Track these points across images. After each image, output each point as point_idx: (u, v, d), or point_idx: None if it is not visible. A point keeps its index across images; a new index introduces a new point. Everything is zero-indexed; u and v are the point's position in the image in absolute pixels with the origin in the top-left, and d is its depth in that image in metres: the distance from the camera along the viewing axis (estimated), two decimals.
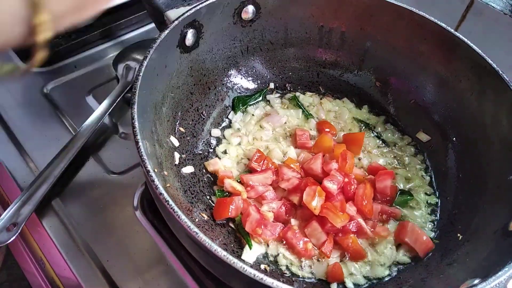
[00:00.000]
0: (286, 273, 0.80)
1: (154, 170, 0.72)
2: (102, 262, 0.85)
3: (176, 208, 0.57)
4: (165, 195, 0.58)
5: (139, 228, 0.90)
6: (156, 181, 0.60)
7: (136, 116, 0.65)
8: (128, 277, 0.84)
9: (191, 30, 0.85)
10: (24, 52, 1.15)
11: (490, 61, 0.85)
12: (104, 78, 1.18)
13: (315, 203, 0.80)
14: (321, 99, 1.06)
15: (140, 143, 0.63)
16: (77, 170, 0.99)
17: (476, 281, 0.61)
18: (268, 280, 0.53)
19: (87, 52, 1.23)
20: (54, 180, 0.92)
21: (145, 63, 0.72)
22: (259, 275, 0.53)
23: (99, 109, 1.04)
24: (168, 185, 0.77)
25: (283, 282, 0.72)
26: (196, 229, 0.55)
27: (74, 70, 1.19)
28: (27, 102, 1.11)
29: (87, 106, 1.11)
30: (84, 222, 0.90)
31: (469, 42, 0.88)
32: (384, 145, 0.99)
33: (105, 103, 1.05)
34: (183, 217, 0.56)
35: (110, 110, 1.04)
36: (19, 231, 0.85)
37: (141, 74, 0.70)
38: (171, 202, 0.58)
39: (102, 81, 1.17)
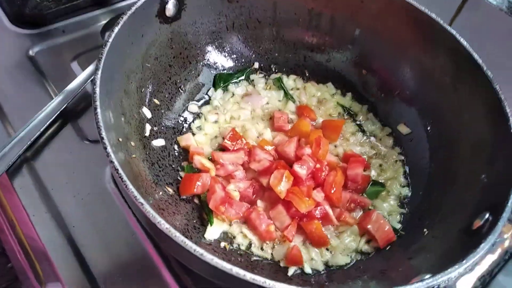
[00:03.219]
0: (246, 253, 0.79)
1: (118, 140, 0.72)
2: (68, 227, 0.85)
3: (124, 177, 0.56)
4: (112, 155, 0.58)
5: (108, 198, 0.89)
6: (109, 149, 0.59)
7: (98, 83, 0.64)
8: (92, 244, 0.84)
9: (172, 0, 0.84)
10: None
11: (476, 57, 0.83)
12: (91, 45, 1.16)
13: (281, 187, 0.80)
14: (305, 83, 1.04)
15: (99, 111, 0.62)
16: (54, 135, 0.98)
17: (427, 276, 0.60)
18: (207, 257, 0.52)
19: (77, 18, 1.21)
20: (29, 142, 0.92)
21: (116, 29, 0.71)
22: (199, 250, 0.53)
23: (81, 76, 1.03)
24: (133, 156, 0.77)
25: (240, 261, 0.73)
26: (142, 200, 0.55)
27: (61, 35, 1.17)
28: (11, 63, 1.10)
29: (71, 72, 1.10)
30: (54, 187, 0.90)
31: (457, 35, 0.85)
32: (362, 134, 0.98)
33: (88, 70, 1.04)
34: (130, 186, 0.55)
35: (93, 78, 1.03)
36: None
37: (110, 40, 0.69)
38: (116, 165, 0.57)
39: (89, 48, 1.15)
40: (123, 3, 1.28)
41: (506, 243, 0.81)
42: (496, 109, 0.77)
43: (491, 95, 0.78)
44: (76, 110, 1.03)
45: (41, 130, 0.94)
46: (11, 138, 0.91)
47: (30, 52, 1.12)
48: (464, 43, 0.84)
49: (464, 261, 0.60)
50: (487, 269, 0.71)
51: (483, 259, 0.68)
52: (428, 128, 0.92)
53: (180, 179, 0.86)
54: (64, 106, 0.97)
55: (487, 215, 0.69)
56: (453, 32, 0.85)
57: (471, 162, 0.80)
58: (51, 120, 0.95)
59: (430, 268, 0.66)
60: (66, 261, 0.81)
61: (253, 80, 1.04)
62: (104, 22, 1.20)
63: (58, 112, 0.96)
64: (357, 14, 0.96)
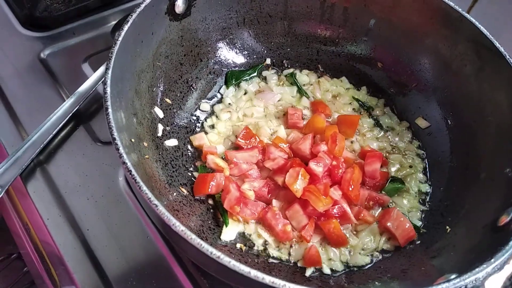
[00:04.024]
0: (263, 254, 0.77)
1: (131, 140, 0.71)
2: (82, 231, 0.84)
3: (137, 178, 0.54)
4: (125, 156, 0.56)
5: (122, 200, 0.89)
6: (121, 149, 0.57)
7: (109, 82, 0.63)
8: (107, 247, 0.83)
9: None
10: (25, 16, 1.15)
11: (497, 45, 0.79)
12: (102, 46, 1.15)
13: (297, 185, 0.77)
14: (318, 77, 1.02)
15: (110, 111, 0.60)
16: (66, 137, 0.98)
17: (453, 276, 0.58)
18: (225, 260, 0.51)
19: (87, 19, 1.21)
20: (42, 146, 0.91)
21: (125, 27, 0.70)
22: (216, 253, 0.51)
23: (92, 77, 1.02)
24: (146, 156, 0.76)
25: (257, 263, 0.71)
26: (156, 202, 0.53)
27: (72, 36, 1.17)
28: (23, 66, 1.10)
29: (82, 74, 1.09)
30: (68, 190, 0.89)
31: (477, 24, 0.82)
32: (379, 129, 0.95)
33: (99, 71, 1.04)
34: (144, 188, 0.54)
35: (103, 79, 1.02)
36: (2, 193, 0.85)
37: (119, 39, 0.68)
38: (130, 166, 0.55)
39: (100, 49, 1.15)
40: (133, 3, 1.27)
41: None
42: None
43: None
44: (88, 112, 1.03)
45: (54, 133, 0.93)
46: (24, 142, 0.91)
47: (41, 55, 1.12)
48: (485, 31, 0.81)
49: (492, 260, 0.57)
50: None
51: None
52: (449, 120, 0.89)
53: (194, 179, 0.84)
54: (76, 108, 0.97)
55: None
56: (473, 20, 0.82)
57: (494, 155, 0.77)
58: (63, 122, 0.95)
59: (454, 267, 0.64)
60: (80, 265, 0.80)
61: (265, 77, 1.01)
62: (114, 22, 1.19)
63: (70, 114, 0.96)
64: (371, 4, 0.93)
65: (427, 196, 0.86)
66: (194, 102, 0.93)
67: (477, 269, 0.56)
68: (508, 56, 0.77)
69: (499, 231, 0.66)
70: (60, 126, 0.94)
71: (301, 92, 0.99)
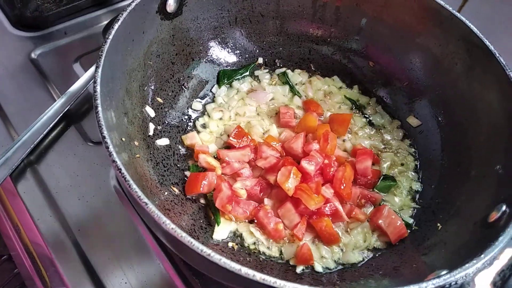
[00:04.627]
0: (255, 252, 0.77)
1: (121, 139, 0.70)
2: (73, 231, 0.84)
3: (127, 177, 0.54)
4: (114, 155, 0.56)
5: (113, 200, 0.88)
6: (111, 148, 0.57)
7: (99, 81, 0.63)
8: (98, 247, 0.82)
9: None
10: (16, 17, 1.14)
11: (488, 43, 0.80)
12: (93, 46, 1.15)
13: (289, 184, 0.77)
14: (310, 77, 1.02)
15: (100, 109, 0.60)
16: (57, 137, 0.97)
17: (443, 272, 0.58)
18: (215, 257, 0.50)
19: (78, 19, 1.20)
20: (32, 146, 0.91)
21: (116, 26, 0.69)
22: (206, 251, 0.51)
23: (83, 77, 1.02)
24: (137, 155, 0.75)
25: (248, 261, 0.71)
26: (146, 200, 0.53)
27: (63, 36, 1.16)
28: (13, 66, 1.09)
29: (73, 74, 1.09)
30: (58, 190, 0.88)
31: (468, 22, 0.83)
32: (371, 127, 0.95)
33: (90, 71, 1.03)
34: (134, 186, 0.54)
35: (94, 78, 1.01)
36: None
37: (110, 37, 0.67)
38: (120, 164, 0.55)
39: (91, 49, 1.14)
40: (124, 3, 1.26)
41: None
42: (511, 97, 0.74)
43: (505, 83, 0.75)
44: (79, 112, 1.02)
45: (44, 133, 0.92)
46: (14, 142, 0.90)
47: (32, 55, 1.11)
48: (475, 30, 0.81)
49: (482, 256, 0.57)
50: (507, 263, 0.68)
51: (502, 253, 0.65)
52: (440, 118, 0.90)
53: (185, 178, 0.84)
54: (67, 108, 0.96)
55: (504, 207, 0.67)
56: (463, 18, 0.82)
57: (485, 153, 0.78)
58: (54, 122, 0.94)
59: (445, 264, 0.64)
60: (71, 266, 0.79)
61: (257, 76, 1.01)
62: (105, 22, 1.19)
63: (61, 114, 0.95)
64: (363, 4, 0.94)
65: (418, 193, 0.86)
66: (186, 102, 0.93)
67: (467, 265, 0.56)
68: (498, 55, 0.78)
69: (489, 227, 0.66)
70: (51, 126, 0.93)
71: (293, 91, 0.99)
